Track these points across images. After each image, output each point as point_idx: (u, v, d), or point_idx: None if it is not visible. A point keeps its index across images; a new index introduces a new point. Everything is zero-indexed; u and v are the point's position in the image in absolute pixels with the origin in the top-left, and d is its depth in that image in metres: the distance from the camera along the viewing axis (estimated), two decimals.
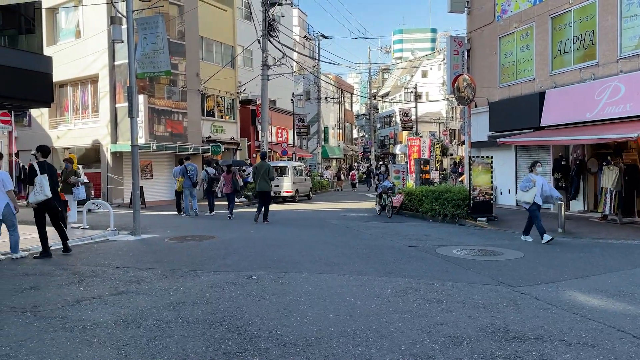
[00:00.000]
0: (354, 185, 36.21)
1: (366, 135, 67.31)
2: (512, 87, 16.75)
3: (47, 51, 12.46)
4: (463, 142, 25.11)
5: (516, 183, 16.82)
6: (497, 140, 15.65)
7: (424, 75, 65.64)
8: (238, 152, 28.34)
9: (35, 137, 22.80)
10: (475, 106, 17.35)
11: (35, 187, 8.26)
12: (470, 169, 13.62)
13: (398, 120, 60.10)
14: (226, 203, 15.85)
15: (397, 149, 58.78)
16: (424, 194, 14.98)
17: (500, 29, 17.33)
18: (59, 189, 9.43)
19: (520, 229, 10.64)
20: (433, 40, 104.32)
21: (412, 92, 54.34)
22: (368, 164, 48.93)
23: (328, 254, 8.60)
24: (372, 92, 58.91)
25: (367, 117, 62.42)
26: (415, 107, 49.94)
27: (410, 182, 18.00)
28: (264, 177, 13.62)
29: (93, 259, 8.36)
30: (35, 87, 10.67)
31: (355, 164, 50.53)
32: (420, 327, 4.57)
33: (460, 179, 23.91)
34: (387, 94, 74.68)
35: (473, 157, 14.10)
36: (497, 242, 10.09)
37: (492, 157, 14.25)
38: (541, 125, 14.84)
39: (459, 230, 12.21)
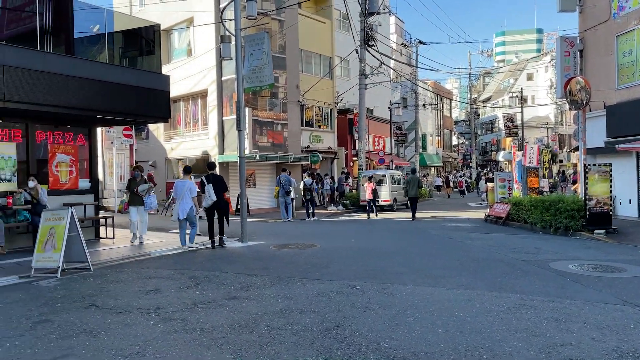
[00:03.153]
0: (462, 193, 35.31)
1: (466, 142, 65.15)
2: (632, 88, 15.40)
3: (162, 69, 13.47)
4: (576, 149, 23.44)
5: (638, 192, 15.41)
6: (616, 146, 14.44)
7: (529, 78, 62.35)
8: (335, 161, 28.72)
9: (152, 149, 24.77)
10: (590, 110, 16.17)
11: (205, 195, 10.63)
12: (585, 178, 12.70)
13: (501, 126, 57.59)
14: (322, 211, 16.23)
15: (501, 156, 56.32)
16: (533, 204, 14.20)
17: (617, 27, 16.02)
18: (127, 200, 10.22)
19: None
20: (539, 41, 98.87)
21: (516, 96, 51.84)
22: (479, 170, 47.32)
23: (431, 266, 8.43)
24: (473, 97, 57.00)
25: (468, 123, 60.44)
26: (521, 111, 47.54)
27: (517, 192, 17.14)
28: (414, 186, 18.11)
29: (206, 264, 8.87)
30: (154, 103, 11.59)
31: (454, 172, 49.06)
32: (538, 348, 4.33)
33: (573, 188, 22.35)
34: (488, 99, 71.91)
35: (588, 164, 13.14)
36: (618, 257, 9.30)
37: (610, 164, 13.19)
38: None
39: (574, 243, 11.41)
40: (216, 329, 4.99)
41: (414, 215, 17.83)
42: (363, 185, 20.42)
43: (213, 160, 21.81)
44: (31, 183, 9.76)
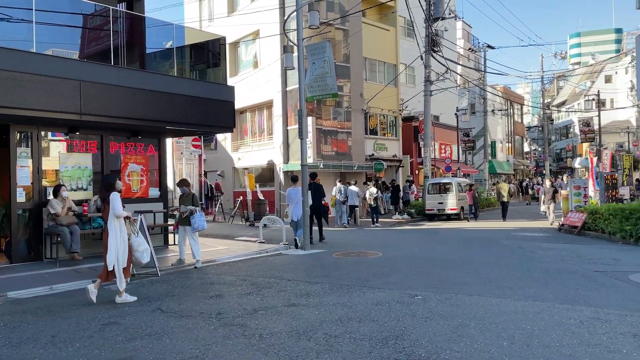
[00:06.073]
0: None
1: (539, 149, 62.39)
2: None
3: (229, 82, 13.88)
4: None
5: None
6: None
7: (608, 80, 58.95)
8: (400, 169, 28.35)
9: (220, 159, 25.54)
10: None
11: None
12: None
13: (577, 131, 54.74)
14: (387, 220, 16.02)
15: (577, 163, 53.41)
16: (612, 213, 13.31)
17: None
18: (182, 218, 9.48)
19: None
20: (618, 41, 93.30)
21: (593, 99, 49.08)
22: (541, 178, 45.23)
23: (499, 276, 8.07)
24: (546, 101, 54.57)
25: (540, 128, 57.88)
26: (599, 115, 44.93)
27: (594, 199, 16.16)
28: (506, 192, 20.91)
29: (268, 271, 8.97)
30: (220, 114, 11.94)
31: (527, 180, 46.97)
32: None
33: None
34: (563, 103, 68.63)
35: None
36: None
37: None
38: None
39: None
40: (274, 335, 5.01)
41: (504, 217, 20.56)
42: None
43: (278, 169, 22.22)
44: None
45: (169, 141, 16.22)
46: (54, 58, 9.30)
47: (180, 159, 19.02)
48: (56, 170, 10.36)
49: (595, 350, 4.36)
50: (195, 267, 9.37)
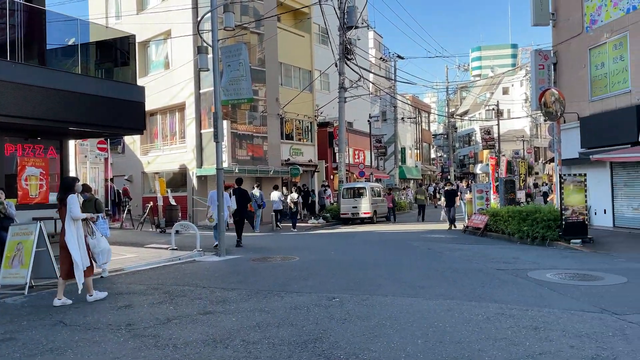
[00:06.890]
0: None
1: (445, 155, 65.80)
2: (605, 100, 15.71)
3: (139, 82, 13.29)
4: (551, 160, 23.82)
5: (612, 202, 15.64)
6: (591, 157, 14.66)
7: (505, 92, 63.54)
8: (316, 174, 28.65)
9: (129, 163, 24.36)
10: (564, 122, 16.42)
11: (231, 204, 13.24)
12: (561, 188, 12.83)
13: (478, 139, 58.39)
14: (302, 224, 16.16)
15: (478, 169, 57.02)
16: (511, 215, 14.29)
17: (589, 40, 16.38)
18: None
19: (620, 252, 9.81)
20: (514, 56, 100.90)
21: (493, 109, 52.65)
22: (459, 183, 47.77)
23: (411, 276, 8.36)
24: (450, 111, 57.71)
25: (446, 136, 61.10)
26: (497, 124, 48.25)
27: (494, 203, 17.27)
28: (422, 195, 24.88)
29: (181, 279, 8.65)
30: (129, 115, 11.40)
31: (434, 184, 49.38)
32: (517, 357, 4.27)
33: (549, 199, 22.64)
34: (466, 112, 72.94)
35: (564, 175, 13.29)
36: (595, 266, 9.36)
37: (585, 175, 13.35)
38: None
39: (551, 252, 11.48)
40: (189, 345, 4.82)
41: (423, 218, 23.19)
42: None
43: (191, 174, 21.61)
44: None
45: (72, 143, 15.19)
46: None
47: (84, 162, 17.88)
48: None
49: (501, 344, 4.62)
50: (102, 277, 8.73)
